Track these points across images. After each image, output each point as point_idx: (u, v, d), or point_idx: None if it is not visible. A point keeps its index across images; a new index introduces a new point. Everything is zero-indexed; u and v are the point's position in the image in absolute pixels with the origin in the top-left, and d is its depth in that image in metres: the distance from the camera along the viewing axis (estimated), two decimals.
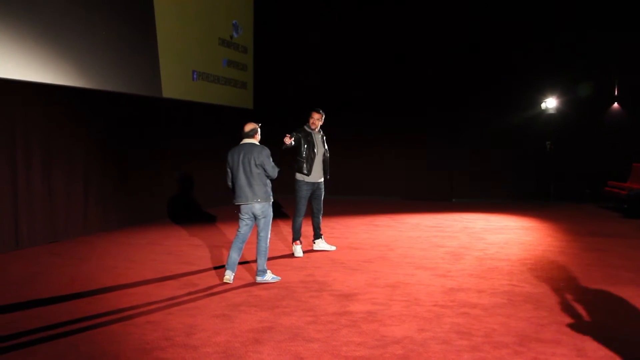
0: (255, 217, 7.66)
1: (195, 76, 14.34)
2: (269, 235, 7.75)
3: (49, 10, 10.00)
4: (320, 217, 9.83)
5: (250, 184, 7.51)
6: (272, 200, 7.71)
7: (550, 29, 16.85)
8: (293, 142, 9.16)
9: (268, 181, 7.64)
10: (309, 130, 9.53)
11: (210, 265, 8.65)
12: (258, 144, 7.68)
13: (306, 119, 9.59)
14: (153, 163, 13.02)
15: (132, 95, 12.24)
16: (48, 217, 10.35)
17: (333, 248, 9.88)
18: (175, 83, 13.54)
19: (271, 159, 7.59)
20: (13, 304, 6.66)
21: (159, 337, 5.54)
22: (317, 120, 9.53)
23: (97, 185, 11.45)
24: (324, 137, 9.72)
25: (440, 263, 8.89)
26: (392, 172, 18.07)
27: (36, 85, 9.91)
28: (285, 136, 8.98)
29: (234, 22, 16.19)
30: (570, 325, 5.90)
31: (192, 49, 14.22)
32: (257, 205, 7.56)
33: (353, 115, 17.85)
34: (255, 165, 7.48)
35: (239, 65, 16.54)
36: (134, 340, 5.48)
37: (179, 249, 9.92)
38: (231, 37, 16.05)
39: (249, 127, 7.71)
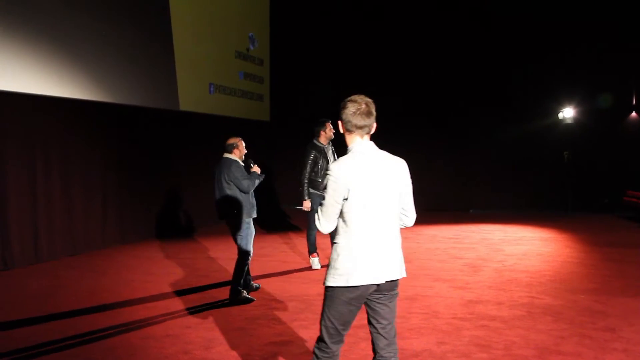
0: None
1: (212, 89, 14.42)
2: (247, 251, 7.40)
3: (68, 25, 10.11)
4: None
5: (222, 200, 7.36)
6: (246, 217, 7.38)
7: (567, 38, 16.77)
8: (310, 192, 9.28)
9: (244, 198, 7.35)
10: (320, 145, 9.42)
11: (228, 278, 8.64)
12: (235, 159, 7.44)
13: (314, 132, 9.47)
14: (171, 176, 13.08)
15: (149, 109, 12.31)
16: (67, 230, 10.44)
17: None
18: (192, 96, 13.61)
19: (240, 172, 7.29)
20: (33, 317, 6.70)
21: (177, 351, 5.55)
22: (332, 130, 9.49)
23: (115, 199, 11.53)
24: (333, 149, 9.65)
25: (459, 275, 8.85)
26: None
27: (55, 99, 10.02)
28: (305, 206, 9.22)
29: (250, 34, 16.28)
30: (591, 338, 5.85)
31: (209, 62, 14.30)
32: (229, 222, 7.43)
33: None
34: (226, 181, 7.30)
35: (255, 78, 16.61)
36: (153, 354, 5.50)
37: (196, 262, 9.94)
38: (247, 49, 16.13)
39: (229, 141, 7.55)
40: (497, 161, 17.50)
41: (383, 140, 15.64)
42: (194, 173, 13.68)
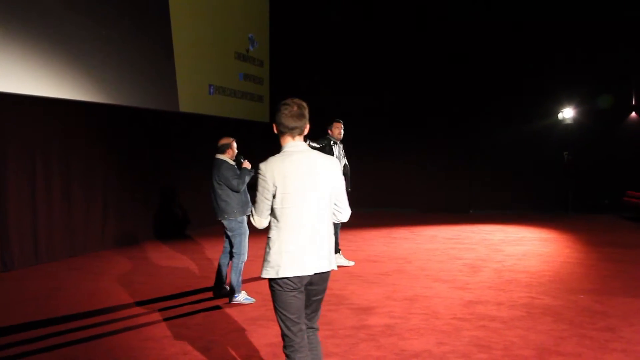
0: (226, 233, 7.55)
1: (212, 90, 14.41)
2: (244, 252, 7.41)
3: (68, 27, 10.11)
4: (339, 231, 9.76)
5: (216, 201, 7.42)
6: (239, 215, 7.37)
7: (566, 40, 16.79)
8: (309, 144, 8.99)
9: (236, 197, 7.36)
10: (333, 140, 9.52)
11: (228, 280, 8.64)
12: (226, 160, 7.47)
13: (325, 130, 9.58)
14: (170, 177, 13.07)
15: (149, 110, 12.31)
16: (67, 232, 10.43)
17: (351, 263, 9.76)
18: (192, 97, 13.61)
19: (230, 172, 7.32)
20: (32, 319, 6.69)
21: (177, 352, 5.55)
22: (341, 129, 9.55)
23: (115, 200, 11.52)
24: (344, 150, 9.71)
25: (458, 275, 8.85)
26: (409, 184, 18.03)
27: (55, 100, 10.01)
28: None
29: (249, 36, 16.28)
30: (591, 338, 5.85)
31: (209, 63, 14.30)
32: (225, 222, 7.43)
33: (370, 127, 17.85)
34: (217, 182, 7.36)
35: (255, 79, 16.61)
36: (152, 356, 5.49)
37: (196, 263, 9.95)
38: (247, 51, 16.13)
39: (221, 142, 7.58)
40: (498, 162, 17.52)
41: (383, 140, 15.63)
42: (193, 174, 13.65)
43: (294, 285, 3.83)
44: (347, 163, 9.67)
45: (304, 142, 4.02)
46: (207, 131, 14.31)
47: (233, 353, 5.52)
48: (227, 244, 7.66)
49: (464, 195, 17.91)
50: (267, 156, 3.89)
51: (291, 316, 3.86)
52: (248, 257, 7.56)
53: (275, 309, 3.90)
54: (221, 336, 6.02)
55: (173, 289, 8.14)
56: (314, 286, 3.93)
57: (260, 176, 3.89)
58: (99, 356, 5.52)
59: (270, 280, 3.86)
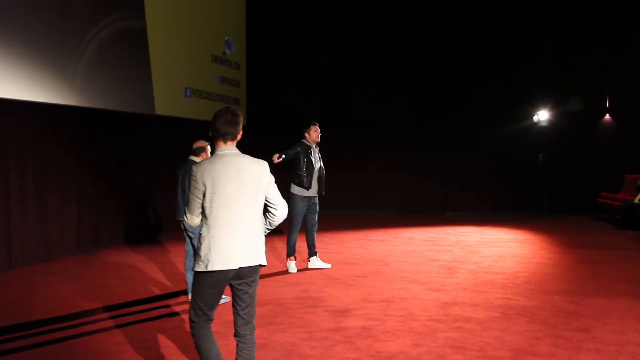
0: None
1: (188, 93, 14.36)
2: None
3: (41, 28, 10.01)
4: (315, 233, 9.74)
5: (181, 202, 7.44)
6: None
7: (541, 42, 16.94)
8: (284, 158, 9.07)
9: None
10: (308, 144, 9.49)
11: None
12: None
13: (302, 133, 9.56)
14: (146, 180, 12.99)
15: (125, 113, 12.22)
16: (42, 235, 10.31)
17: (328, 266, 9.75)
18: (168, 100, 13.53)
19: None
20: (7, 324, 6.62)
21: (153, 356, 5.52)
22: (319, 132, 9.53)
23: (91, 203, 11.42)
24: (320, 155, 9.68)
25: (435, 277, 8.89)
26: (385, 186, 18.07)
27: (29, 103, 9.90)
28: (274, 156, 8.81)
29: (226, 38, 16.24)
30: (565, 338, 5.91)
31: (185, 66, 14.24)
32: (186, 223, 7.47)
33: (346, 129, 17.86)
34: (189, 182, 7.40)
35: (231, 82, 16.56)
36: None
37: (172, 267, 9.89)
38: (224, 53, 16.09)
39: (195, 144, 7.71)
40: (474, 164, 17.62)
41: (360, 142, 15.64)
42: (169, 177, 13.51)
43: (218, 278, 4.15)
44: (322, 166, 9.64)
45: (235, 147, 4.34)
46: (183, 134, 14.25)
47: None
48: (188, 247, 7.66)
49: (440, 197, 18.01)
50: None
51: (204, 307, 4.25)
52: None
53: (193, 296, 4.27)
54: None
55: (149, 292, 8.10)
56: (243, 279, 4.23)
57: (192, 176, 4.23)
58: None
59: (197, 272, 4.18)
